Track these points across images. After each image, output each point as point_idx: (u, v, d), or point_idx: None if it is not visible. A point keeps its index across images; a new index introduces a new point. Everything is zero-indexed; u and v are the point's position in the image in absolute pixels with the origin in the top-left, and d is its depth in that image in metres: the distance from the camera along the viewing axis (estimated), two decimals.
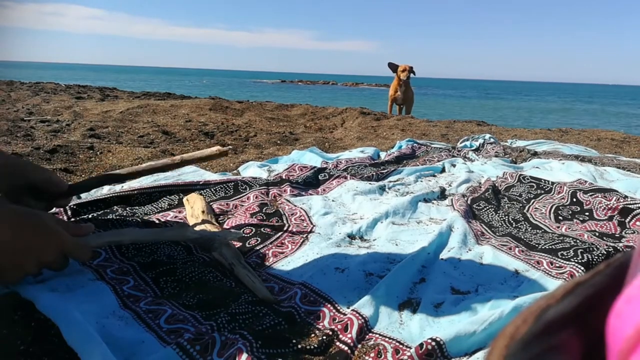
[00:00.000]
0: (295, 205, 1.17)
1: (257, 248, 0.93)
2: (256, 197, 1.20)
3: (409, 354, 0.59)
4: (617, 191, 1.27)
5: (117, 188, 1.26)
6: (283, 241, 0.96)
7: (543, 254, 0.91)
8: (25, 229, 0.61)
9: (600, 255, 0.87)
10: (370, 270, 0.83)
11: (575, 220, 1.17)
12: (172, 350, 0.56)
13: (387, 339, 0.64)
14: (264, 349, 0.59)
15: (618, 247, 0.92)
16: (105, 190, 1.24)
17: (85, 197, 1.15)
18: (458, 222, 1.05)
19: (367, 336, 0.65)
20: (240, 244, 0.94)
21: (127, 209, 1.07)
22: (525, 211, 1.24)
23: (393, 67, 4.79)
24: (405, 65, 4.70)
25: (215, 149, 0.96)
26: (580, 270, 0.84)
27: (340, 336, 0.64)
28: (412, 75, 4.73)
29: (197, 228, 0.96)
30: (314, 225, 1.05)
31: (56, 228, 0.65)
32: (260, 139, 2.30)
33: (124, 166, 1.57)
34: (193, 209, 1.03)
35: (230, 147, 1.07)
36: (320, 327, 0.67)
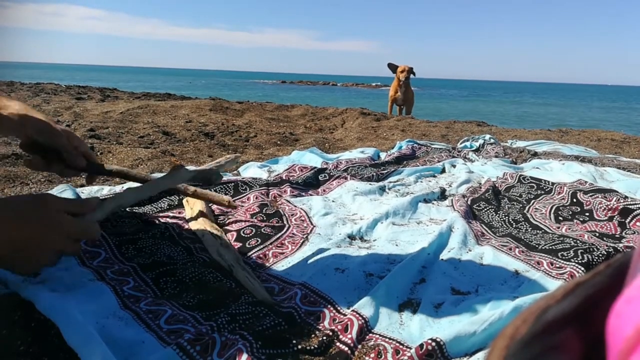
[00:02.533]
0: (296, 206, 1.17)
1: (257, 248, 0.93)
2: (256, 198, 1.20)
3: (409, 354, 0.58)
4: (617, 192, 1.27)
5: (117, 188, 1.26)
6: (283, 242, 0.96)
7: (543, 255, 0.91)
8: (27, 225, 0.61)
9: (600, 255, 0.87)
10: (370, 271, 0.83)
11: (575, 220, 1.17)
12: (172, 351, 0.56)
13: (387, 340, 0.64)
14: (264, 349, 0.59)
15: (618, 248, 0.92)
16: (106, 191, 1.24)
17: (85, 197, 1.15)
18: (458, 223, 1.05)
19: (367, 337, 0.65)
20: (240, 244, 0.94)
21: (127, 209, 1.07)
22: (525, 212, 1.24)
23: (393, 67, 4.80)
24: (404, 66, 4.70)
25: (227, 198, 0.99)
26: (580, 271, 0.84)
27: (341, 337, 0.64)
28: (412, 76, 4.74)
29: (194, 228, 0.96)
30: (314, 226, 1.05)
31: (59, 216, 0.65)
32: (261, 140, 2.31)
33: (124, 167, 1.57)
34: (193, 210, 1.03)
35: (238, 205, 1.09)
36: (320, 327, 0.67)
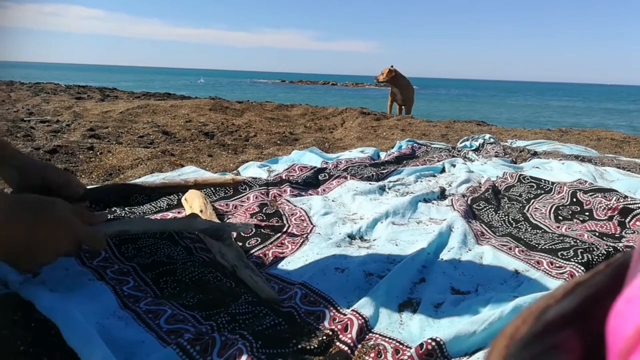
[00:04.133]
0: (295, 206, 1.17)
1: (257, 248, 0.93)
2: (256, 198, 1.20)
3: (409, 354, 0.59)
4: (617, 191, 1.27)
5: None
6: (283, 241, 0.96)
7: (543, 254, 0.91)
8: (40, 224, 0.61)
9: (600, 255, 0.87)
10: (370, 271, 0.83)
11: (575, 220, 1.17)
12: (172, 351, 0.56)
13: (387, 339, 0.64)
14: (264, 349, 0.59)
15: (618, 247, 0.92)
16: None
17: None
18: (458, 222, 1.05)
19: (367, 336, 0.65)
20: (240, 244, 0.94)
21: (126, 208, 1.07)
22: (525, 211, 1.24)
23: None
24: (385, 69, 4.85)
25: (229, 177, 0.99)
26: (580, 270, 0.84)
27: (340, 336, 0.64)
28: (393, 74, 4.80)
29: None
30: (314, 226, 1.05)
31: (70, 220, 0.65)
32: (260, 139, 2.30)
33: (124, 167, 1.57)
34: (192, 208, 1.03)
35: (244, 178, 1.09)
36: (320, 327, 0.67)
